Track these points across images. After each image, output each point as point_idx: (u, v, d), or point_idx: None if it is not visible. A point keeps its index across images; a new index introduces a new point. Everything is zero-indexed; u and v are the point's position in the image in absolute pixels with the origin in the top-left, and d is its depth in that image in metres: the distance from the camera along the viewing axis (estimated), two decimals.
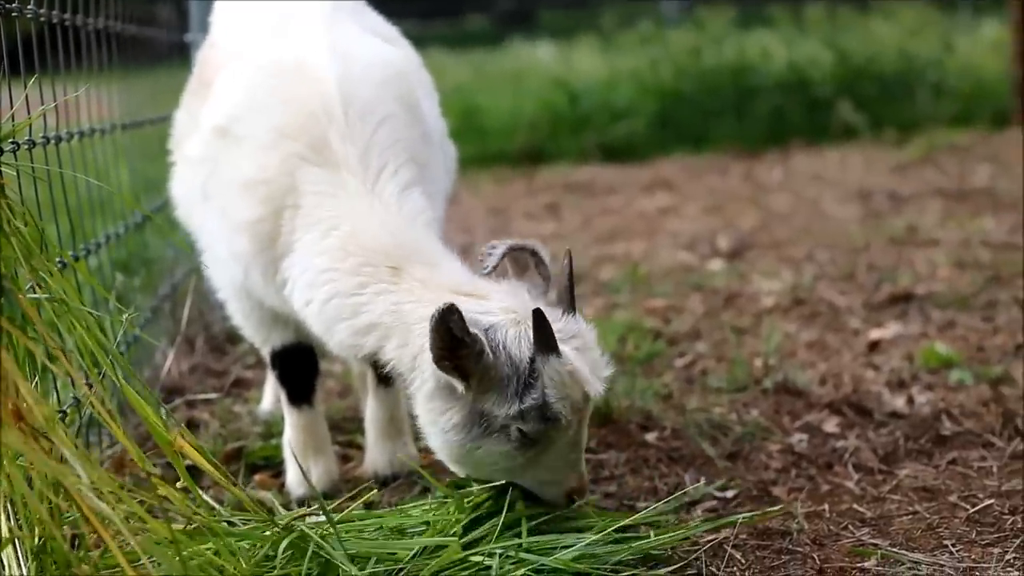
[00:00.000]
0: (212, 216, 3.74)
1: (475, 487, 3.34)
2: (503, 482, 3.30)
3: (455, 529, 3.19)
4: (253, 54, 3.80)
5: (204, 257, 3.90)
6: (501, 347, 3.10)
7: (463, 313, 3.01)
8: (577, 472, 3.30)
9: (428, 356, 3.12)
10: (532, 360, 3.09)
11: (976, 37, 14.99)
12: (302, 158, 3.47)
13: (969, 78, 13.17)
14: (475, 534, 3.17)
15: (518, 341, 3.11)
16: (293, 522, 3.06)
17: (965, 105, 12.64)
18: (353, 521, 3.26)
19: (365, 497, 3.28)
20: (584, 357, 3.18)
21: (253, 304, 3.84)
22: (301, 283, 3.46)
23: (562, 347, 3.11)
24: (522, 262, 3.41)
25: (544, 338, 3.06)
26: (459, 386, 3.13)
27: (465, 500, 3.27)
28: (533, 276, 3.37)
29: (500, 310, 3.18)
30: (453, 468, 3.36)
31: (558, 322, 3.17)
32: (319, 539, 3.02)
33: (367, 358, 3.45)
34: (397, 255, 3.35)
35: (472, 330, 3.03)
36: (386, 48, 3.93)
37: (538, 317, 3.03)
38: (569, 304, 3.26)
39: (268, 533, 3.03)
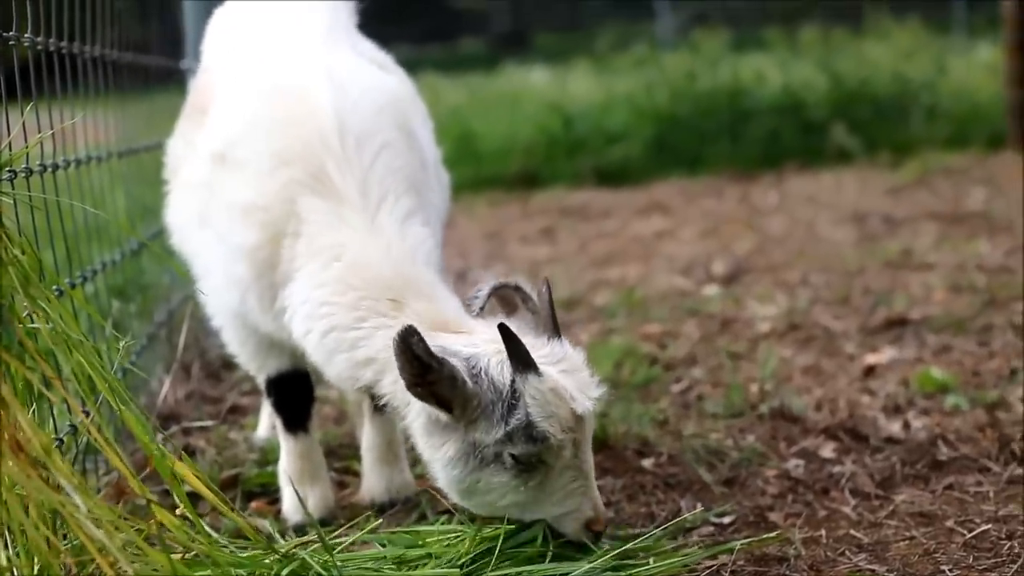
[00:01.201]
0: (209, 242, 3.73)
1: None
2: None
3: (461, 559, 3.18)
4: (250, 80, 3.81)
5: (200, 284, 3.89)
6: (483, 374, 3.12)
7: (427, 340, 3.04)
8: (589, 501, 3.28)
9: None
10: (513, 381, 3.11)
11: (970, 59, 15.04)
12: (302, 185, 3.48)
13: (963, 101, 13.20)
14: (475, 566, 3.16)
15: (500, 367, 3.13)
16: (294, 551, 3.05)
17: (959, 128, 12.67)
18: (354, 550, 3.26)
19: (367, 528, 3.29)
20: (571, 378, 3.20)
21: (249, 331, 3.84)
22: (301, 313, 3.47)
23: (547, 368, 3.13)
24: (510, 300, 3.45)
25: (518, 355, 3.08)
26: (443, 416, 3.15)
27: (479, 533, 3.27)
28: (523, 313, 3.41)
29: (483, 341, 3.21)
30: (467, 506, 3.34)
31: (544, 348, 3.20)
32: (320, 568, 3.01)
33: (364, 390, 3.47)
34: (398, 288, 3.38)
35: (438, 354, 3.06)
36: (382, 75, 3.95)
37: (505, 333, 3.06)
38: (553, 330, 3.28)
39: (268, 561, 3.02)
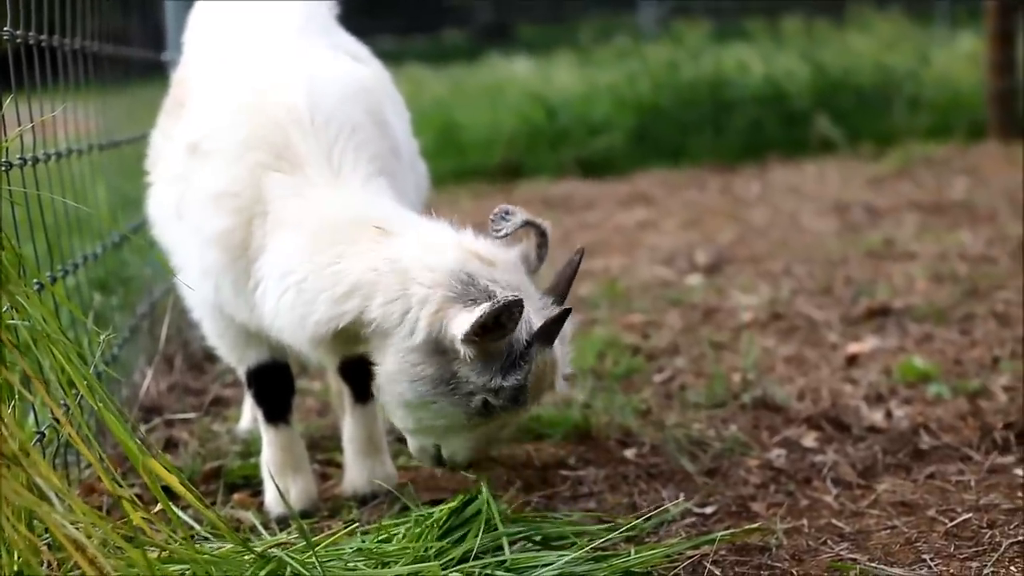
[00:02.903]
0: (185, 234, 3.73)
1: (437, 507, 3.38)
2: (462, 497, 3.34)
3: (434, 548, 3.19)
4: (223, 73, 3.82)
5: (179, 277, 3.88)
6: None
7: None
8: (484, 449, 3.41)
9: (428, 310, 3.16)
10: (529, 344, 3.15)
11: (952, 49, 15.04)
12: (267, 167, 3.49)
13: (946, 90, 13.20)
14: (454, 553, 3.17)
15: (520, 323, 3.14)
16: (271, 550, 3.05)
17: (942, 117, 12.66)
18: (331, 546, 3.26)
19: (349, 528, 3.31)
20: (560, 350, 3.27)
21: (226, 322, 3.82)
22: (274, 276, 3.43)
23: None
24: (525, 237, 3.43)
25: (550, 330, 3.15)
26: (467, 354, 3.14)
27: (430, 519, 3.29)
28: (532, 254, 3.39)
29: (506, 284, 3.21)
30: (395, 414, 3.37)
31: (547, 308, 3.26)
32: (299, 567, 3.00)
33: (342, 337, 3.40)
34: (379, 218, 3.37)
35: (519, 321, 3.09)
36: (354, 65, 3.95)
37: (563, 315, 3.17)
38: (562, 295, 3.33)
39: (247, 558, 3.02)
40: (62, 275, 3.91)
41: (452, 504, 3.30)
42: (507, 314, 3.03)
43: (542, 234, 3.42)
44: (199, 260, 3.66)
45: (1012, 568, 3.30)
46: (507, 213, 3.39)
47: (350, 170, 3.49)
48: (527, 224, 3.39)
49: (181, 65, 4.24)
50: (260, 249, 3.50)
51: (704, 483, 4.05)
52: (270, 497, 3.95)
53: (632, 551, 3.29)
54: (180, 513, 2.97)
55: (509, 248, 3.36)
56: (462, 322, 3.10)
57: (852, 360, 5.34)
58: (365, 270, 3.28)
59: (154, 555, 2.81)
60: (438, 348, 3.19)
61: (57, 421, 2.85)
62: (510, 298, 3.01)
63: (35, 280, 3.00)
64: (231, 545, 3.07)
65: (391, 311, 3.24)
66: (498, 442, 3.37)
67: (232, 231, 3.52)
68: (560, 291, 3.33)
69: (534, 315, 3.20)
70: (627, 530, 3.43)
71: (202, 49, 4.11)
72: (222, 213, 3.54)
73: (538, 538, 3.32)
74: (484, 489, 3.32)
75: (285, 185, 3.47)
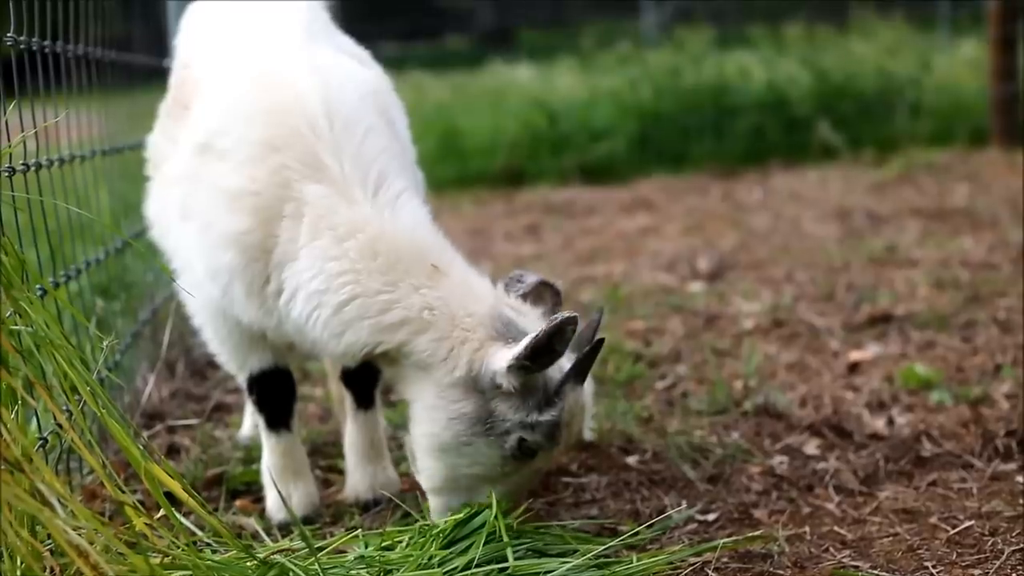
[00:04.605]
0: (191, 235, 3.69)
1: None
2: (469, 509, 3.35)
3: (437, 556, 3.19)
4: (234, 73, 3.79)
5: (181, 280, 3.85)
6: None
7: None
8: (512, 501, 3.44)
9: (469, 347, 3.30)
10: (563, 381, 3.29)
11: (954, 56, 15.06)
12: (296, 172, 3.46)
13: (947, 97, 13.22)
14: (458, 562, 3.16)
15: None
16: (272, 556, 3.05)
17: (943, 124, 12.68)
18: (334, 553, 3.26)
19: (351, 535, 3.31)
20: (588, 397, 3.46)
21: (230, 326, 3.79)
22: (308, 289, 3.43)
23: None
24: (541, 296, 3.57)
25: (583, 366, 3.30)
26: (510, 386, 3.26)
27: (435, 530, 3.29)
28: (547, 310, 3.54)
29: (539, 331, 3.31)
30: (427, 465, 3.43)
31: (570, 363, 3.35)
32: (301, 573, 3.01)
33: (374, 356, 3.46)
34: (435, 255, 3.45)
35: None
36: (361, 68, 3.96)
37: (597, 348, 3.30)
38: (588, 354, 3.36)
39: (249, 564, 3.02)
40: (64, 280, 3.91)
41: (458, 516, 3.30)
42: (559, 335, 3.16)
43: (556, 293, 3.58)
44: (208, 262, 3.63)
45: (1014, 575, 3.30)
46: (522, 276, 3.57)
47: (389, 186, 3.51)
48: (541, 284, 3.55)
49: (179, 67, 4.20)
50: (289, 253, 3.48)
51: (706, 490, 4.05)
52: (272, 503, 3.95)
53: (634, 558, 3.31)
54: (182, 519, 2.97)
55: (533, 306, 3.51)
56: (508, 353, 3.24)
57: (854, 367, 5.34)
58: (420, 307, 3.35)
59: (156, 561, 2.82)
60: (476, 386, 3.30)
61: (60, 426, 2.85)
62: (565, 316, 3.15)
63: (38, 285, 3.01)
64: (233, 551, 3.08)
65: (438, 348, 3.34)
66: (519, 493, 3.44)
67: (250, 232, 3.50)
68: (584, 356, 3.38)
69: (563, 359, 3.30)
70: (629, 537, 3.45)
71: (204, 51, 4.08)
72: (240, 212, 3.51)
73: (541, 544, 3.32)
74: (494, 503, 3.32)
75: (323, 194, 3.46)
